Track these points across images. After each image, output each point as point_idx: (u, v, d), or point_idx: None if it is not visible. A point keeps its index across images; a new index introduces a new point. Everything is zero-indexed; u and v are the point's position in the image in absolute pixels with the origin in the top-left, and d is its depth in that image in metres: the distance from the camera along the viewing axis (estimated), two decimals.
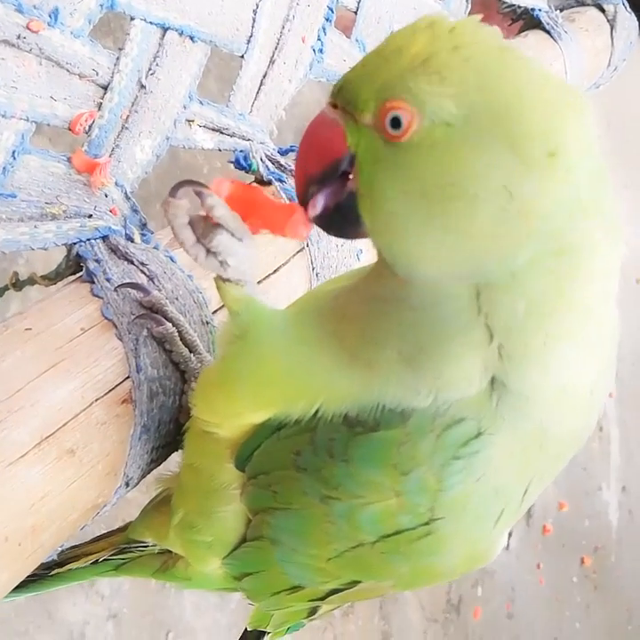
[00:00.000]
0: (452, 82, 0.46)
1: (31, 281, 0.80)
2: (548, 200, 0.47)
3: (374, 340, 0.55)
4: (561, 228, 0.48)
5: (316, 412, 0.57)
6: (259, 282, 0.83)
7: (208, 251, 0.62)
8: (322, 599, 0.68)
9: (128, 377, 0.70)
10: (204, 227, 0.60)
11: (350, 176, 0.53)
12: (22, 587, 0.69)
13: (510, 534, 0.66)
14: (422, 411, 0.53)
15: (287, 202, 0.88)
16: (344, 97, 0.51)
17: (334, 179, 0.54)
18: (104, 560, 0.82)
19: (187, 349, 0.73)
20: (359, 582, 0.64)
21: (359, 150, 0.51)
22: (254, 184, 0.62)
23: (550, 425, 0.54)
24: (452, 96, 0.46)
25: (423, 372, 0.53)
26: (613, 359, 0.57)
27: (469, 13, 1.39)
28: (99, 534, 0.87)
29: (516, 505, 0.59)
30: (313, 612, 0.72)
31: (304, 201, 0.56)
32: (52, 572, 0.82)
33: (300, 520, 0.61)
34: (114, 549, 0.82)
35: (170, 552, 0.77)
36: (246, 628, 0.78)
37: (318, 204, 0.55)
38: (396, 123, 0.47)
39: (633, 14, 1.68)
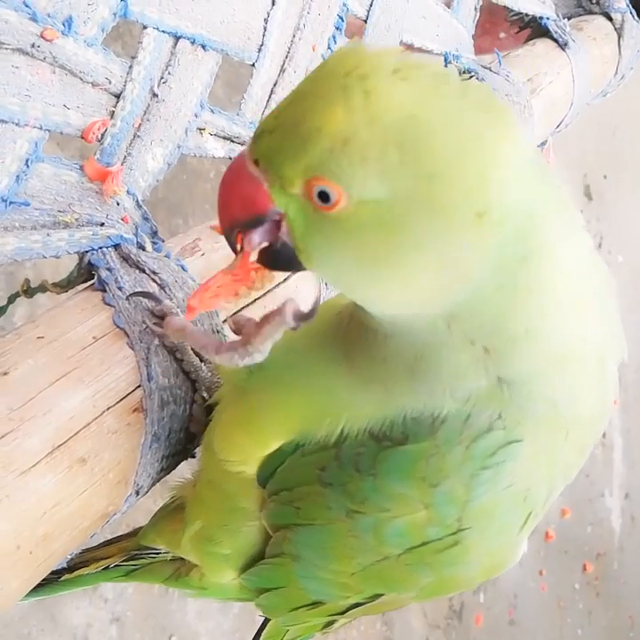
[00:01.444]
0: (374, 162, 0.45)
1: (42, 288, 0.80)
2: (482, 251, 0.47)
3: (376, 359, 0.56)
4: (500, 262, 0.48)
5: (341, 430, 0.57)
6: (268, 291, 0.83)
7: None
8: (341, 613, 0.68)
9: (139, 386, 0.70)
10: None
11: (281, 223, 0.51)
12: (31, 591, 0.69)
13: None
14: (451, 422, 0.53)
15: None
16: (267, 163, 0.49)
17: (261, 224, 0.52)
18: (115, 566, 0.82)
19: (197, 358, 0.73)
20: (381, 595, 0.64)
21: (289, 213, 0.49)
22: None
23: (566, 402, 0.54)
24: (376, 176, 0.45)
25: (427, 376, 0.54)
26: (616, 325, 0.57)
27: (478, 22, 1.39)
28: (107, 540, 0.87)
29: (541, 508, 0.59)
30: (329, 625, 0.72)
31: (229, 241, 0.54)
32: (62, 578, 0.82)
33: (323, 535, 0.61)
34: (125, 555, 0.82)
35: (182, 559, 0.77)
36: None
37: (253, 241, 0.53)
38: (324, 196, 0.46)
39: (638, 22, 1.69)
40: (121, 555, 0.82)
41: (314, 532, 0.61)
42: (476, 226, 0.46)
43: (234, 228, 0.53)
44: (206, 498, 0.70)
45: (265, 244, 0.53)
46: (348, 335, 0.59)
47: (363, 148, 0.45)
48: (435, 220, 0.46)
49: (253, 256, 0.54)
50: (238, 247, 0.54)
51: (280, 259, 0.53)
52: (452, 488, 0.54)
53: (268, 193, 0.49)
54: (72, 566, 0.82)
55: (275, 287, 0.83)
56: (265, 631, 0.75)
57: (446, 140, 0.45)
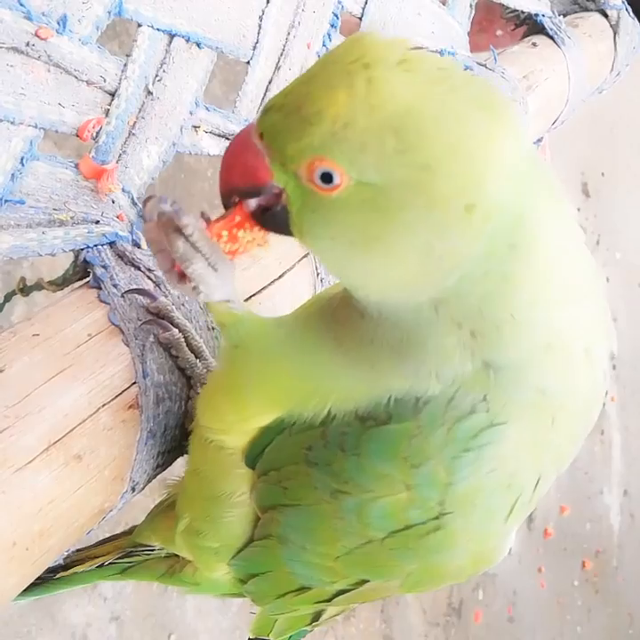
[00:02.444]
0: (372, 148, 0.46)
1: (38, 286, 0.80)
2: (470, 242, 0.48)
3: (364, 340, 0.56)
4: (488, 251, 0.49)
5: (328, 410, 0.57)
6: (263, 288, 0.83)
7: (183, 275, 0.62)
8: (328, 601, 0.68)
9: (134, 382, 0.71)
10: (183, 249, 0.60)
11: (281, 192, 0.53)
12: (27, 590, 0.69)
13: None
14: (434, 403, 0.54)
15: None
16: (270, 140, 0.50)
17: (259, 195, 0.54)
18: (110, 563, 0.82)
19: (193, 355, 0.74)
20: (366, 582, 0.64)
21: (288, 189, 0.51)
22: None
23: (554, 391, 0.55)
24: (373, 162, 0.47)
25: (414, 358, 0.54)
26: (604, 316, 0.58)
27: (473, 19, 1.39)
28: (103, 537, 0.87)
29: (528, 497, 0.59)
30: (316, 617, 0.72)
31: (227, 204, 0.56)
32: (58, 576, 0.82)
33: (309, 516, 0.62)
34: (120, 553, 0.82)
35: (176, 556, 0.78)
36: (249, 637, 0.78)
37: (251, 204, 0.55)
38: (326, 177, 0.48)
39: (636, 20, 1.69)
40: (116, 552, 0.82)
41: (300, 513, 0.62)
42: (464, 218, 0.47)
43: (232, 194, 0.55)
44: (192, 489, 0.70)
45: (262, 207, 0.54)
46: (336, 318, 0.59)
47: (361, 133, 0.46)
48: (425, 209, 0.47)
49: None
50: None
51: (275, 221, 0.54)
52: (433, 470, 0.55)
53: (268, 167, 0.51)
54: (68, 565, 0.82)
55: (270, 284, 0.84)
56: (253, 622, 0.76)
57: (441, 133, 0.46)
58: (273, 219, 0.54)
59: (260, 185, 0.52)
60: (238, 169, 0.54)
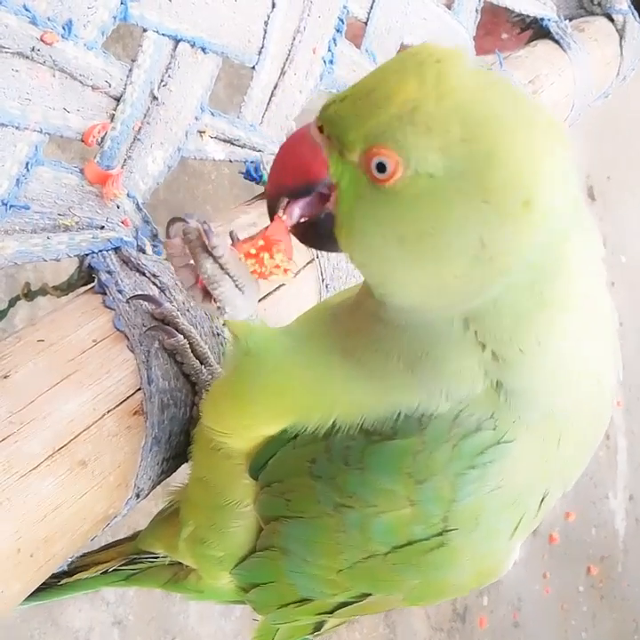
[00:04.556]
0: (437, 134, 0.47)
1: (43, 291, 0.80)
2: (522, 245, 0.48)
3: (379, 352, 0.56)
4: (534, 261, 0.49)
5: (333, 422, 0.57)
6: (269, 293, 0.83)
7: (207, 292, 0.61)
8: (330, 613, 0.68)
9: (139, 389, 0.71)
10: (211, 271, 0.59)
11: (329, 196, 0.53)
12: (31, 596, 0.69)
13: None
14: (440, 419, 0.54)
15: None
16: (332, 127, 0.51)
17: (308, 195, 0.54)
18: (114, 570, 0.82)
19: (198, 361, 0.73)
20: (368, 595, 0.64)
21: (342, 182, 0.51)
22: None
23: (562, 415, 0.55)
24: (437, 149, 0.47)
25: (428, 375, 0.54)
26: (615, 348, 0.59)
27: (479, 23, 1.39)
28: (107, 543, 0.87)
29: (533, 514, 0.59)
30: (319, 627, 0.72)
31: (272, 207, 0.56)
32: (62, 582, 0.82)
33: (311, 529, 0.61)
34: (123, 559, 0.82)
35: (180, 564, 0.77)
36: None
37: (294, 214, 0.55)
38: (381, 167, 0.48)
39: None
40: (120, 559, 0.82)
41: (302, 526, 0.62)
42: (521, 214, 0.47)
43: (281, 195, 0.55)
44: (197, 497, 0.70)
45: (304, 219, 0.55)
46: (346, 328, 0.59)
47: (429, 118, 0.47)
48: (482, 201, 0.47)
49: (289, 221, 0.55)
50: (280, 213, 0.55)
51: (316, 233, 0.55)
52: (437, 486, 0.54)
53: (325, 160, 0.51)
54: (71, 570, 0.82)
55: (275, 290, 0.83)
56: (255, 630, 0.75)
57: (506, 125, 0.47)
58: (314, 230, 0.54)
59: (314, 179, 0.52)
60: (292, 165, 0.54)
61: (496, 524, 0.57)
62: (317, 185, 0.53)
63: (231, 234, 0.61)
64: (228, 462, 0.64)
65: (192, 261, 0.61)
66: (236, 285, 0.60)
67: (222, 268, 0.59)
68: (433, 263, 0.49)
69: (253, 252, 0.58)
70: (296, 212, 0.55)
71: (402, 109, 0.47)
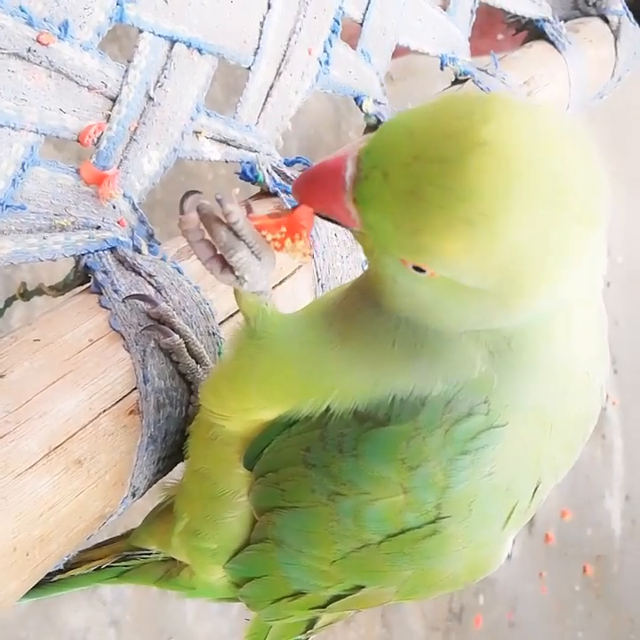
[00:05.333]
0: (475, 278, 0.47)
1: (39, 291, 0.80)
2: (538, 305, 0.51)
3: (373, 337, 0.56)
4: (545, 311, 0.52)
5: (328, 408, 0.57)
6: None
7: (225, 263, 0.61)
8: (323, 607, 0.68)
9: (135, 388, 0.71)
10: (226, 238, 0.59)
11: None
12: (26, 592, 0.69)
13: (513, 542, 0.66)
14: (432, 405, 0.54)
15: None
16: (369, 226, 0.50)
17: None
18: (107, 567, 0.82)
19: (193, 360, 0.74)
20: (362, 588, 0.64)
21: (374, 242, 0.51)
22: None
23: (554, 402, 0.56)
24: (472, 283, 0.47)
25: (425, 359, 0.55)
26: (605, 347, 0.60)
27: (474, 24, 1.39)
28: (101, 541, 0.87)
29: (526, 503, 0.59)
30: (311, 625, 0.72)
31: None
32: (55, 578, 0.82)
33: (306, 519, 0.62)
34: (117, 556, 0.82)
35: (173, 560, 0.78)
36: None
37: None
38: (418, 269, 0.48)
39: (637, 25, 1.69)
40: (113, 556, 0.82)
41: (297, 516, 0.62)
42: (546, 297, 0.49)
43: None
44: (192, 488, 0.70)
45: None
46: (345, 313, 0.59)
47: (472, 270, 0.46)
48: (503, 306, 0.49)
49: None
50: None
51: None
52: (430, 472, 0.55)
53: (358, 227, 0.51)
54: (66, 567, 0.82)
55: (271, 288, 0.83)
56: (247, 628, 0.75)
57: (541, 268, 0.46)
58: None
59: (347, 226, 0.52)
60: (325, 206, 0.53)
61: (489, 512, 0.57)
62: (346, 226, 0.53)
63: (248, 205, 0.61)
64: (225, 450, 0.64)
65: (207, 235, 0.60)
66: (253, 252, 0.60)
67: (237, 234, 0.58)
68: (449, 319, 0.52)
69: (275, 236, 0.58)
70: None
71: (447, 259, 0.46)
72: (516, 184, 0.43)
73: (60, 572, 0.82)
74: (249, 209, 0.62)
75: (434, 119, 0.46)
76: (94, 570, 0.82)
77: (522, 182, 0.43)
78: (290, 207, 0.57)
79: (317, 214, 0.56)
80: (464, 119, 0.44)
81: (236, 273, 0.61)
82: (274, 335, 0.62)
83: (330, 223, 0.56)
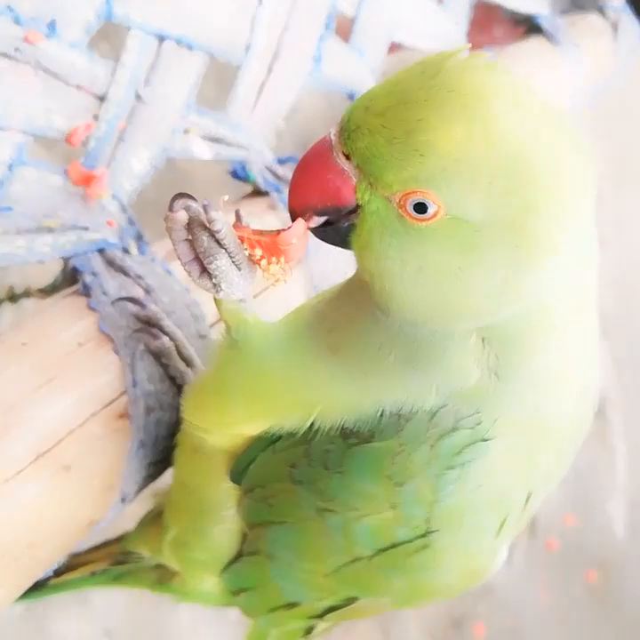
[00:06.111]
0: (482, 186, 0.46)
1: (27, 294, 0.79)
2: (540, 280, 0.49)
3: (367, 347, 0.55)
4: (544, 294, 0.51)
5: (312, 424, 0.56)
6: (256, 295, 0.82)
7: (204, 268, 0.60)
8: (319, 616, 0.67)
9: (125, 392, 0.69)
10: (208, 244, 0.58)
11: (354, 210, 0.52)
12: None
13: (508, 549, 0.66)
14: (417, 420, 0.53)
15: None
16: (364, 163, 0.49)
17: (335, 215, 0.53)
18: (101, 571, 0.81)
19: (183, 363, 0.72)
20: (356, 599, 0.63)
21: (368, 208, 0.50)
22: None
23: (548, 410, 0.55)
24: (479, 199, 0.46)
25: (420, 369, 0.53)
26: (597, 356, 0.59)
27: (472, 19, 1.38)
28: (95, 544, 0.86)
29: (519, 512, 0.59)
30: (309, 631, 0.71)
31: (295, 217, 0.55)
32: (49, 582, 0.81)
33: (296, 534, 0.61)
34: (111, 560, 0.81)
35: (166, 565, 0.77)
36: None
37: (319, 220, 0.54)
38: (420, 208, 0.47)
39: (636, 19, 1.68)
40: (107, 559, 0.81)
41: (287, 531, 0.61)
42: (545, 259, 0.48)
43: (306, 212, 0.53)
44: (179, 501, 0.69)
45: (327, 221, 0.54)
46: (335, 323, 0.58)
47: (474, 171, 0.46)
48: (516, 246, 0.47)
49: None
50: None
51: (335, 235, 0.53)
52: (417, 488, 0.54)
53: (354, 187, 0.50)
54: (59, 571, 0.81)
55: (262, 291, 0.82)
56: (246, 635, 0.75)
57: (548, 178, 0.47)
58: (334, 233, 0.53)
59: (343, 205, 0.51)
60: (318, 188, 0.52)
61: (480, 523, 0.56)
62: (345, 208, 0.51)
63: (237, 212, 0.60)
64: (209, 464, 0.63)
65: (190, 236, 0.59)
66: (233, 262, 0.58)
67: (219, 242, 0.57)
68: (450, 294, 0.49)
69: (253, 253, 0.57)
70: (320, 220, 0.53)
71: (446, 160, 0.45)
72: (508, 85, 0.47)
73: (54, 575, 0.81)
74: (238, 217, 0.61)
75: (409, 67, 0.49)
76: (89, 573, 0.81)
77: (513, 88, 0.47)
78: (281, 227, 0.56)
79: (311, 230, 0.55)
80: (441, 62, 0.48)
81: (213, 280, 0.59)
82: (255, 346, 0.60)
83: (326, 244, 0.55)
